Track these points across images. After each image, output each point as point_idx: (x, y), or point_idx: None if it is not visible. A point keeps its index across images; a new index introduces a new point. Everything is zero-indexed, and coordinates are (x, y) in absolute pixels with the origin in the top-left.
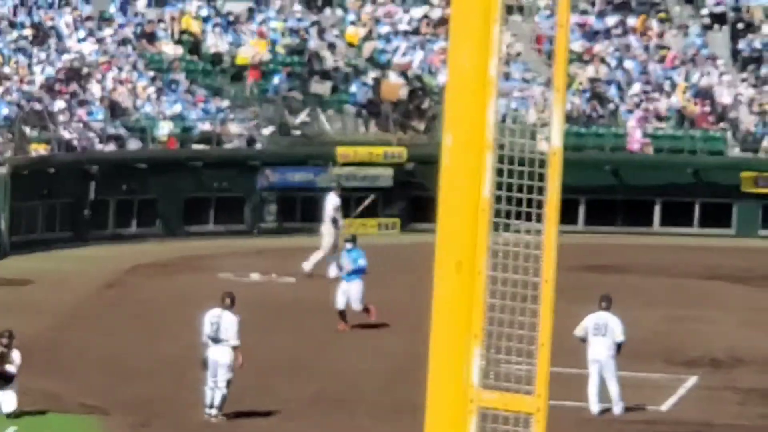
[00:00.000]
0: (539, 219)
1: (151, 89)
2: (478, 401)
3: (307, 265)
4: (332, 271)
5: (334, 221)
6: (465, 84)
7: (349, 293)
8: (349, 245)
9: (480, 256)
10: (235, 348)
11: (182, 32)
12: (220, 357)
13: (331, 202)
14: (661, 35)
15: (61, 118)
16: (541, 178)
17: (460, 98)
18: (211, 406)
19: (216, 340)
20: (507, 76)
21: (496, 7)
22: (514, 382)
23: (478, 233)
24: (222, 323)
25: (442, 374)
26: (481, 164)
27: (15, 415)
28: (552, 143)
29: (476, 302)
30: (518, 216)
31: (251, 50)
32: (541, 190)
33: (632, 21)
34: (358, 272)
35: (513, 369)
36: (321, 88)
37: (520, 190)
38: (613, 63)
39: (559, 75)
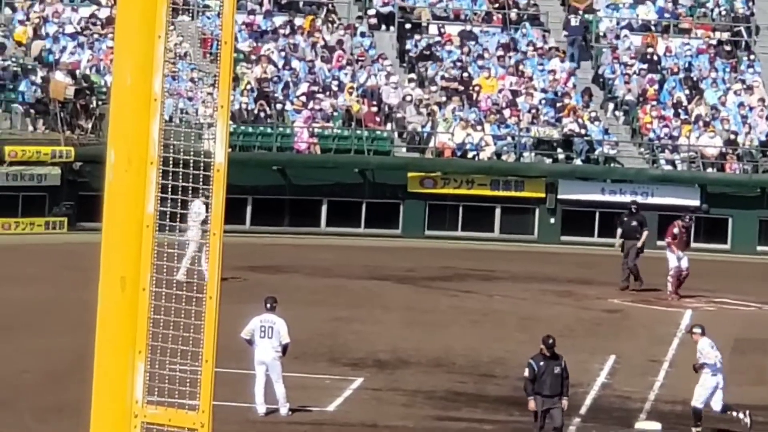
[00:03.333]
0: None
1: None
2: (143, 417)
3: (180, 275)
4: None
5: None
6: (128, 100)
7: None
8: None
9: (144, 272)
10: None
11: None
12: None
13: (199, 207)
14: (328, 35)
15: None
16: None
17: (123, 114)
18: None
19: None
20: (175, 77)
21: (160, 24)
22: (178, 397)
23: (142, 249)
24: None
25: (107, 389)
26: (144, 180)
27: None
28: (216, 160)
29: (140, 318)
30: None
31: None
32: (205, 206)
33: (300, 21)
34: None
35: (177, 385)
36: None
37: (184, 205)
38: (281, 63)
39: (224, 91)
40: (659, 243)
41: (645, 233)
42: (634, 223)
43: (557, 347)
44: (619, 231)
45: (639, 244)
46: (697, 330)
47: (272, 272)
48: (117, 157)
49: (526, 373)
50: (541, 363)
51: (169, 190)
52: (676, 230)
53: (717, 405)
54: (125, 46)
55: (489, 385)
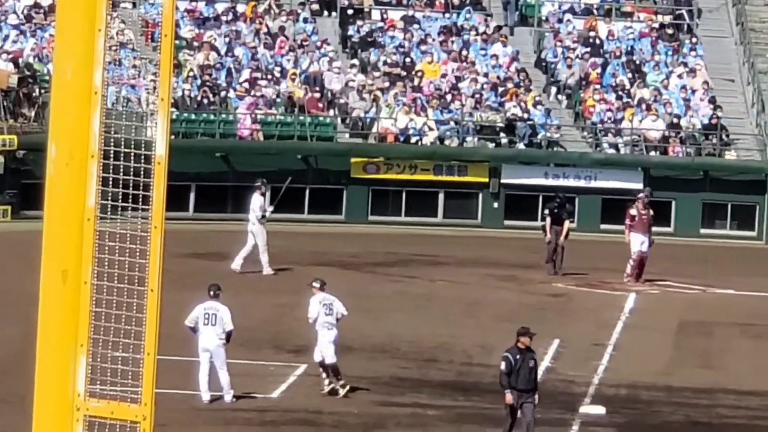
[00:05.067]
0: (145, 229)
1: None
2: (85, 410)
3: (236, 264)
4: (266, 270)
5: (262, 218)
6: (68, 94)
7: None
8: None
9: (86, 266)
10: None
11: None
12: None
13: (257, 201)
14: (270, 21)
15: None
16: (147, 185)
17: (64, 108)
18: None
19: None
20: (118, 63)
21: (100, 18)
22: (120, 390)
23: (83, 243)
24: None
25: (49, 382)
26: (85, 174)
27: None
28: (157, 153)
29: (82, 311)
30: (124, 224)
31: None
32: (146, 199)
33: (242, 7)
34: None
35: (119, 377)
36: None
37: (125, 198)
38: (224, 49)
39: (164, 84)
40: (602, 227)
41: (567, 223)
42: (565, 214)
43: (501, 333)
44: (549, 220)
45: (564, 234)
46: (316, 284)
47: (216, 259)
48: (58, 151)
49: (503, 366)
50: (518, 356)
51: (110, 182)
52: (633, 212)
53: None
54: (65, 40)
55: (433, 370)
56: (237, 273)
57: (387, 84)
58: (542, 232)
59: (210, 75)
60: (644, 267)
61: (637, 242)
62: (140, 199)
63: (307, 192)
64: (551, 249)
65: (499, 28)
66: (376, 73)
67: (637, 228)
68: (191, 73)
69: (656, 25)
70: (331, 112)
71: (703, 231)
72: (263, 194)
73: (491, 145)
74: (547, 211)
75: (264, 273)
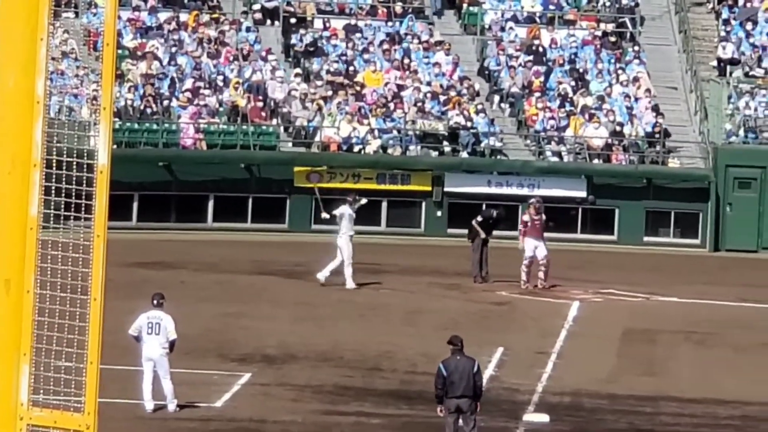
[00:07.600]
0: (88, 238)
1: None
2: (28, 419)
3: (322, 275)
4: (350, 284)
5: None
6: (10, 104)
7: None
8: None
9: (28, 275)
10: None
11: None
12: None
13: (343, 210)
14: (213, 31)
15: None
16: (90, 194)
17: (6, 117)
18: None
19: None
20: (61, 74)
21: (42, 28)
22: (63, 399)
23: (26, 252)
24: None
25: None
26: (28, 183)
27: None
28: (99, 162)
29: (25, 320)
30: (66, 233)
31: None
32: (89, 208)
33: (184, 17)
34: None
35: (62, 387)
36: None
37: (68, 207)
38: (166, 59)
39: (106, 93)
40: (545, 235)
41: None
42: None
43: (444, 342)
44: (479, 228)
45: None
46: None
47: (160, 268)
48: (0, 161)
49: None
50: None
51: (53, 192)
52: (526, 217)
53: None
54: (7, 49)
55: (377, 378)
56: (320, 284)
57: (330, 93)
58: (471, 236)
59: (152, 84)
60: (548, 272)
61: (531, 247)
62: (83, 208)
63: (250, 201)
64: (479, 258)
65: (439, 43)
66: (319, 82)
67: (530, 233)
68: (133, 83)
69: (599, 33)
70: (274, 121)
71: (646, 239)
72: (352, 205)
73: (434, 154)
74: (481, 219)
75: (347, 287)
